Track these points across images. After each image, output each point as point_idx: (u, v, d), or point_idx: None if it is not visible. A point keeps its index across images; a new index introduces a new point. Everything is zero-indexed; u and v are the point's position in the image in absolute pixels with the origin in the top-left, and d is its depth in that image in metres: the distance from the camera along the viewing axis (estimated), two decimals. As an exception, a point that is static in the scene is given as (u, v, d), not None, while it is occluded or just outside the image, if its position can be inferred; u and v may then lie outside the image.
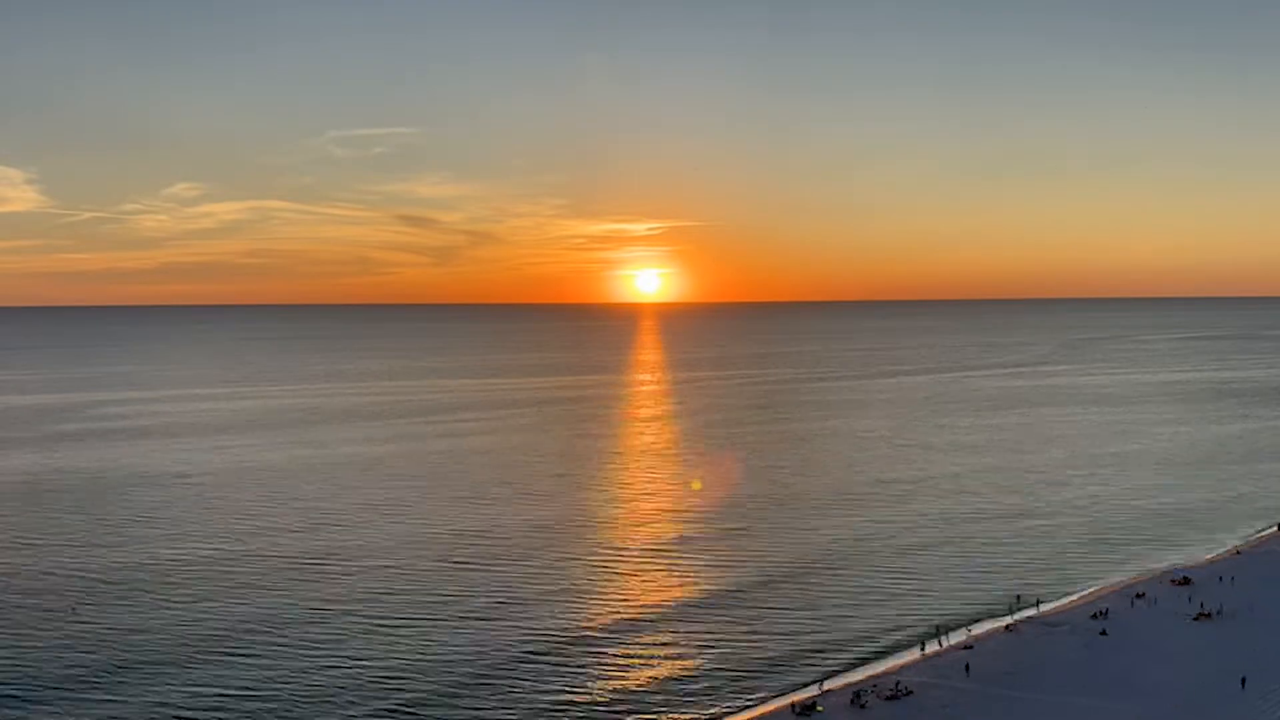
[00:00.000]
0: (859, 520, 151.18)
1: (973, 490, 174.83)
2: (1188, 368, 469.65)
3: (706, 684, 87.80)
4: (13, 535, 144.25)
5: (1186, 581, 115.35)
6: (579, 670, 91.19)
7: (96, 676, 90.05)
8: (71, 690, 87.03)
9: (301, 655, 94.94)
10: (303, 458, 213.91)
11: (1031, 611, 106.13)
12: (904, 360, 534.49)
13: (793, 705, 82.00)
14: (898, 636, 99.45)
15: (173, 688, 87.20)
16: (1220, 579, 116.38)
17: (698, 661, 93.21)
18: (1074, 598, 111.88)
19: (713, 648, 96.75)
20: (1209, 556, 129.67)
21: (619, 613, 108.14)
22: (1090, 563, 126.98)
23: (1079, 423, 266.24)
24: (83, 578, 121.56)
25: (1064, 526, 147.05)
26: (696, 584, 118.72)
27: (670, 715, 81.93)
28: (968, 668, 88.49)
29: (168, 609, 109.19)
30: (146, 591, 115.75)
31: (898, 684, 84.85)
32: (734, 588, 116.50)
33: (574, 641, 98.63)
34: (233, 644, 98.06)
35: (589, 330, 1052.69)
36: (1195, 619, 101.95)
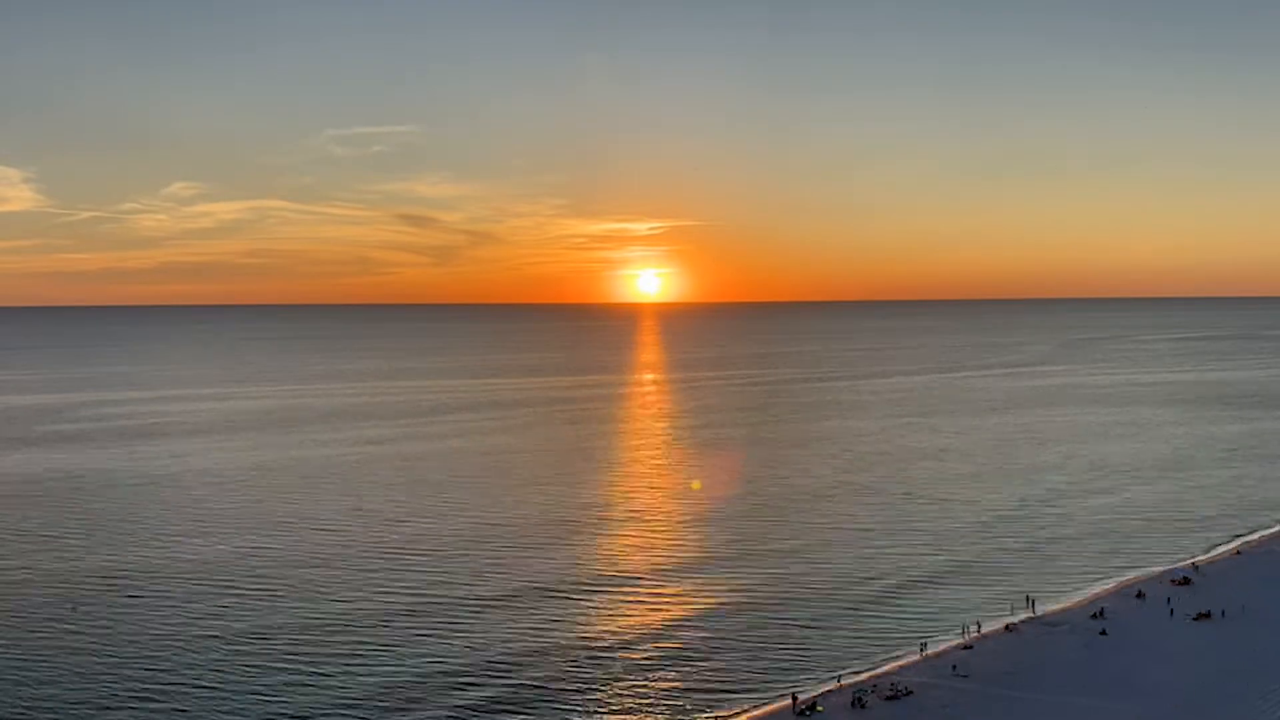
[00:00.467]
0: (859, 520, 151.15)
1: (972, 490, 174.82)
2: (1188, 368, 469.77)
3: (707, 684, 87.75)
4: (13, 535, 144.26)
5: (1186, 581, 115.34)
6: (579, 670, 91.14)
7: (97, 676, 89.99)
8: (72, 690, 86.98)
9: (301, 654, 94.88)
10: (303, 458, 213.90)
11: (1031, 612, 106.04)
12: (904, 360, 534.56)
13: (793, 705, 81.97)
14: (898, 636, 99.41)
15: (174, 687, 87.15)
16: (1220, 579, 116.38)
17: (698, 661, 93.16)
18: (1074, 598, 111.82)
19: (713, 648, 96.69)
20: (1209, 556, 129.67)
21: (618, 613, 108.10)
22: (1090, 563, 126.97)
23: (1079, 423, 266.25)
24: (83, 577, 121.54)
25: (1064, 526, 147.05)
26: (696, 584, 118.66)
27: (671, 715, 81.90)
28: (968, 668, 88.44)
29: (168, 608, 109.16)
30: (147, 591, 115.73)
31: (898, 684, 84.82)
32: (734, 587, 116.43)
33: (573, 642, 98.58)
34: (233, 643, 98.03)
35: (589, 330, 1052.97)
36: (1195, 619, 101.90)
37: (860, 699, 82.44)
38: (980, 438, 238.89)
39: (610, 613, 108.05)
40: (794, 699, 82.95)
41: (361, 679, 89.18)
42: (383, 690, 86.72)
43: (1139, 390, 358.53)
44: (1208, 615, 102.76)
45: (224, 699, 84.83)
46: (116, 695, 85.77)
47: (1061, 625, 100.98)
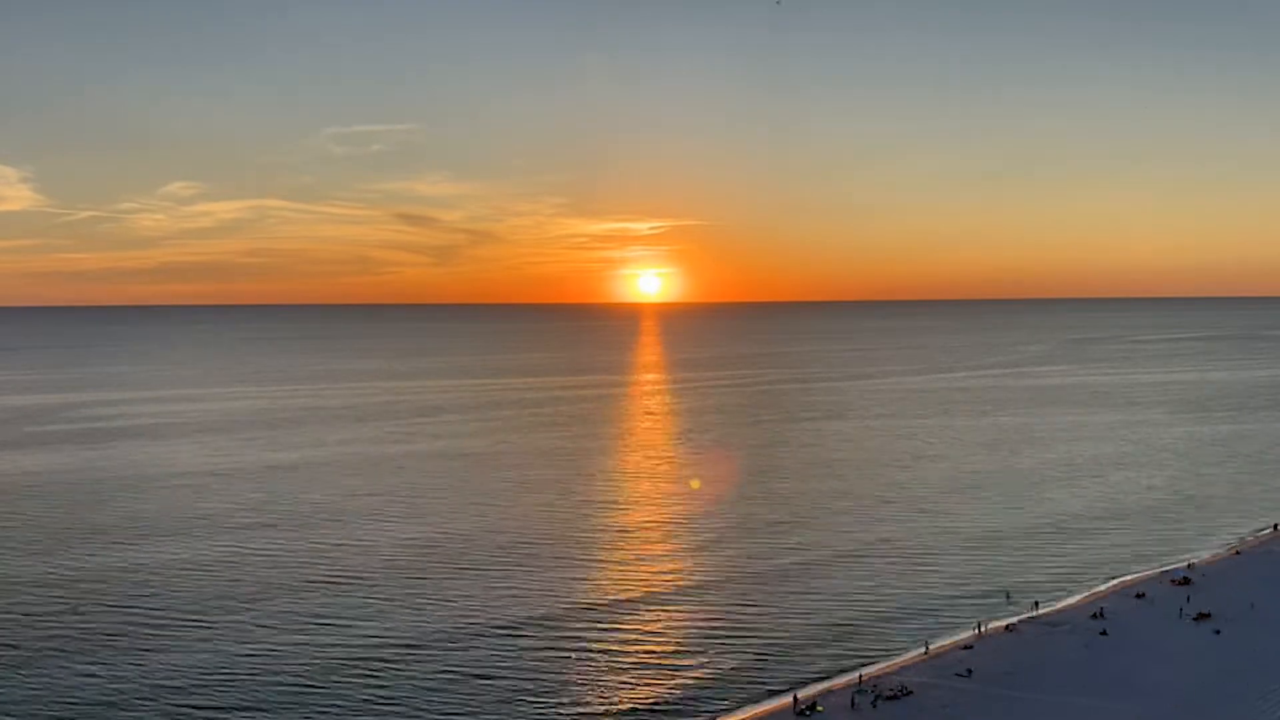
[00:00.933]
0: (858, 520, 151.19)
1: (972, 490, 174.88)
2: (1187, 368, 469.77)
3: (707, 683, 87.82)
4: (13, 535, 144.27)
5: (1186, 581, 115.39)
6: (579, 670, 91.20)
7: (97, 675, 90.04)
8: (73, 689, 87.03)
9: (301, 654, 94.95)
10: (303, 458, 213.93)
11: (1031, 611, 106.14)
12: (903, 361, 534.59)
13: (793, 704, 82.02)
14: (898, 636, 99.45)
15: (174, 687, 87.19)
16: (1220, 579, 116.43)
17: (698, 661, 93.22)
18: (1074, 598, 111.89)
19: (713, 647, 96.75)
20: (1209, 556, 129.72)
21: (619, 612, 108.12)
22: (1090, 563, 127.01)
23: (1078, 423, 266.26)
24: (83, 577, 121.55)
25: (1064, 526, 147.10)
26: (696, 584, 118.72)
27: (671, 714, 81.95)
28: (968, 668, 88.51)
29: (168, 608, 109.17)
30: (147, 591, 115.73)
31: (898, 684, 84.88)
32: (734, 587, 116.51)
33: (574, 641, 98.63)
34: (233, 642, 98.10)
35: (589, 331, 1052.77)
36: (1195, 619, 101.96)
37: (860, 699, 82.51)
38: (980, 438, 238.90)
39: (610, 612, 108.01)
40: (794, 699, 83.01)
41: (361, 678, 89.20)
42: (382, 689, 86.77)
43: (1139, 390, 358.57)
44: (1207, 615, 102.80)
45: (224, 698, 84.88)
46: (118, 694, 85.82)
47: (1061, 625, 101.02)
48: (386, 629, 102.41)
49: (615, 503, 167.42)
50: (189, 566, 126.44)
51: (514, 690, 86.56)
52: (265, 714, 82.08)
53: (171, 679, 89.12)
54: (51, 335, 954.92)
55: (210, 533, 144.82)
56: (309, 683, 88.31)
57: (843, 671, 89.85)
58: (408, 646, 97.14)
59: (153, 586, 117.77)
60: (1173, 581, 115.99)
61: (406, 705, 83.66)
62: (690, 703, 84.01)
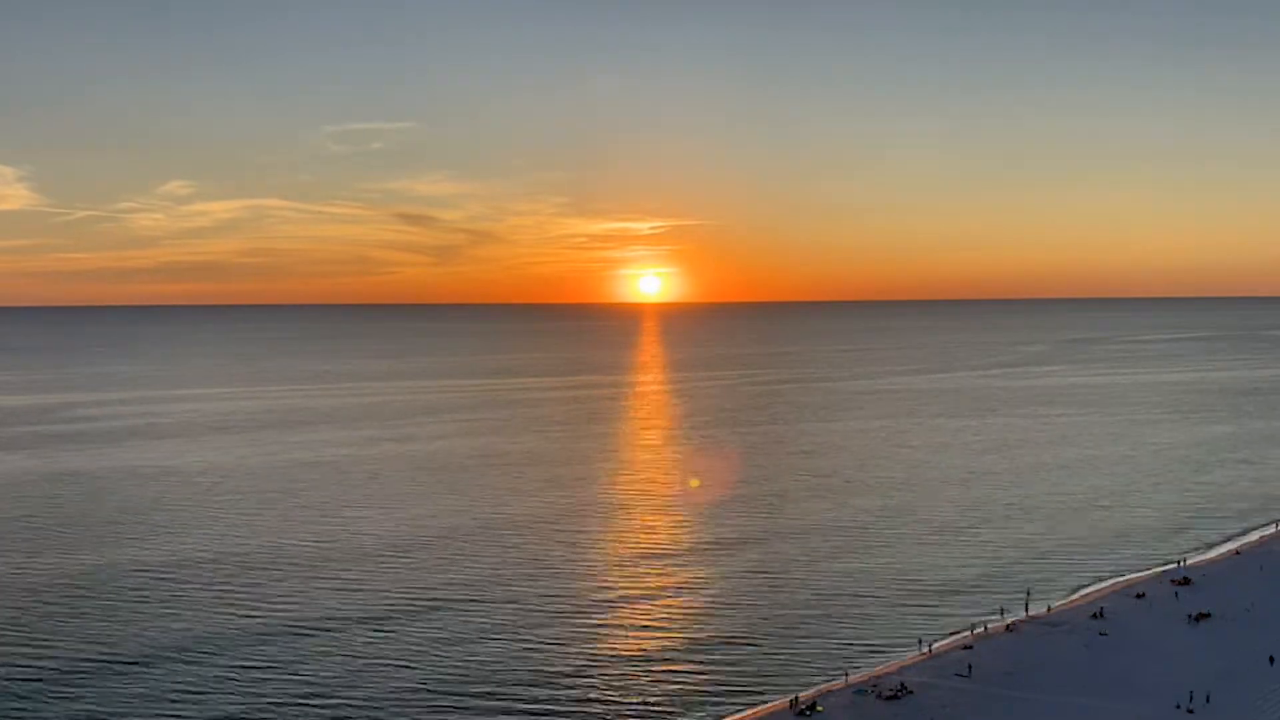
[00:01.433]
0: (858, 520, 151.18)
1: (972, 490, 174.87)
2: (1187, 368, 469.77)
3: (708, 683, 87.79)
4: (12, 535, 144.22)
5: (1186, 581, 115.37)
6: (580, 670, 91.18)
7: (97, 675, 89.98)
8: (72, 689, 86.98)
9: (300, 654, 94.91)
10: (302, 459, 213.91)
11: (1031, 611, 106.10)
12: (903, 361, 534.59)
13: (793, 704, 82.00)
14: (898, 636, 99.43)
15: (174, 687, 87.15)
16: (1220, 579, 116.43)
17: (699, 661, 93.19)
18: (1074, 598, 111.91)
19: (714, 647, 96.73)
20: (1209, 556, 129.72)
21: (620, 612, 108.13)
22: (1090, 563, 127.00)
23: (1078, 423, 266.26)
24: (83, 577, 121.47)
25: (1064, 526, 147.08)
26: (697, 584, 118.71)
27: (672, 714, 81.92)
28: (968, 668, 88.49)
29: (168, 608, 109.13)
30: (147, 590, 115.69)
31: (898, 684, 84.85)
32: (734, 587, 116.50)
33: (575, 641, 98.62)
34: (233, 642, 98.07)
35: (590, 331, 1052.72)
36: (1195, 619, 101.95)
37: (860, 699, 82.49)
38: (979, 438, 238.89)
39: (610, 612, 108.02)
40: (794, 699, 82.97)
41: (360, 677, 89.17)
42: (381, 688, 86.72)
43: (1138, 390, 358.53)
44: (1207, 615, 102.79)
45: (225, 697, 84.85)
46: (118, 694, 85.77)
47: (1061, 625, 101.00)
48: (385, 629, 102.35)
49: (615, 503, 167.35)
50: (189, 565, 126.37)
51: (514, 691, 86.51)
52: (264, 714, 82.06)
53: (173, 677, 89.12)
54: (49, 335, 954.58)
55: (211, 531, 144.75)
56: (308, 683, 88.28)
57: (843, 671, 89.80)
58: (407, 646, 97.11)
59: (153, 585, 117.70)
60: (1173, 581, 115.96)
61: (406, 705, 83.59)
62: (690, 703, 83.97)
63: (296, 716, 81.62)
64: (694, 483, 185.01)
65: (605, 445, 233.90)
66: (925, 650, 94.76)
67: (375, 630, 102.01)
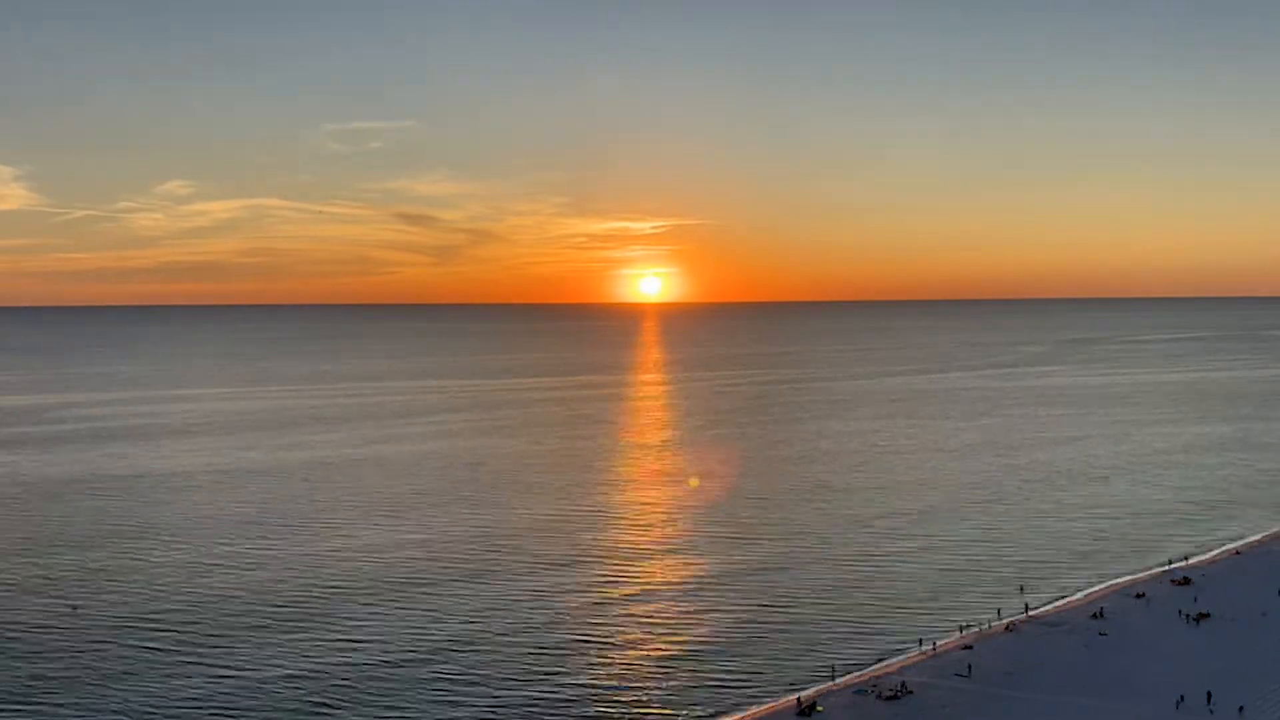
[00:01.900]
0: (859, 520, 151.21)
1: (972, 490, 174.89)
2: (1187, 368, 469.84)
3: (708, 683, 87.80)
4: (12, 535, 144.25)
5: (1186, 581, 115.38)
6: (581, 670, 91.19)
7: (97, 675, 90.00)
8: (72, 689, 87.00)
9: (300, 655, 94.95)
10: (302, 459, 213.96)
11: (1031, 611, 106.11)
12: (903, 361, 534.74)
13: (794, 704, 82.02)
14: (898, 636, 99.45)
15: (174, 687, 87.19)
16: (1220, 579, 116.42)
17: (700, 661, 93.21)
18: (1074, 598, 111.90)
19: (715, 647, 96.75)
20: (1209, 556, 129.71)
21: (620, 612, 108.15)
22: (1090, 563, 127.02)
23: (1078, 423, 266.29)
24: (82, 577, 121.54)
25: (1064, 526, 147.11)
26: (697, 584, 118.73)
27: (672, 714, 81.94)
28: (968, 668, 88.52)
29: (168, 609, 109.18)
30: (147, 591, 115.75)
31: (898, 684, 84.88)
32: (735, 588, 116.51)
33: (576, 641, 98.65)
34: (233, 643, 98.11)
35: (590, 331, 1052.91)
36: (1195, 619, 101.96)
37: (860, 699, 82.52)
38: (979, 438, 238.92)
39: (611, 613, 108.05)
40: (797, 699, 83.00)
41: (360, 677, 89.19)
42: (381, 690, 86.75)
43: (1139, 390, 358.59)
44: (1207, 615, 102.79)
45: (224, 697, 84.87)
46: (117, 694, 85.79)
47: (1061, 625, 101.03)
48: (383, 628, 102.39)
49: (615, 503, 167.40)
50: (188, 566, 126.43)
51: (514, 691, 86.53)
52: (264, 714, 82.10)
53: (173, 678, 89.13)
54: (48, 335, 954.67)
55: (210, 532, 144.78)
56: (306, 681, 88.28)
57: (843, 671, 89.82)
58: (405, 646, 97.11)
59: (152, 586, 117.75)
60: (1173, 581, 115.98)
61: (405, 705, 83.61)
62: (692, 703, 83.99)
63: (296, 717, 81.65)
64: (694, 482, 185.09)
65: (605, 446, 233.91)
66: (925, 650, 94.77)
67: (375, 630, 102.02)
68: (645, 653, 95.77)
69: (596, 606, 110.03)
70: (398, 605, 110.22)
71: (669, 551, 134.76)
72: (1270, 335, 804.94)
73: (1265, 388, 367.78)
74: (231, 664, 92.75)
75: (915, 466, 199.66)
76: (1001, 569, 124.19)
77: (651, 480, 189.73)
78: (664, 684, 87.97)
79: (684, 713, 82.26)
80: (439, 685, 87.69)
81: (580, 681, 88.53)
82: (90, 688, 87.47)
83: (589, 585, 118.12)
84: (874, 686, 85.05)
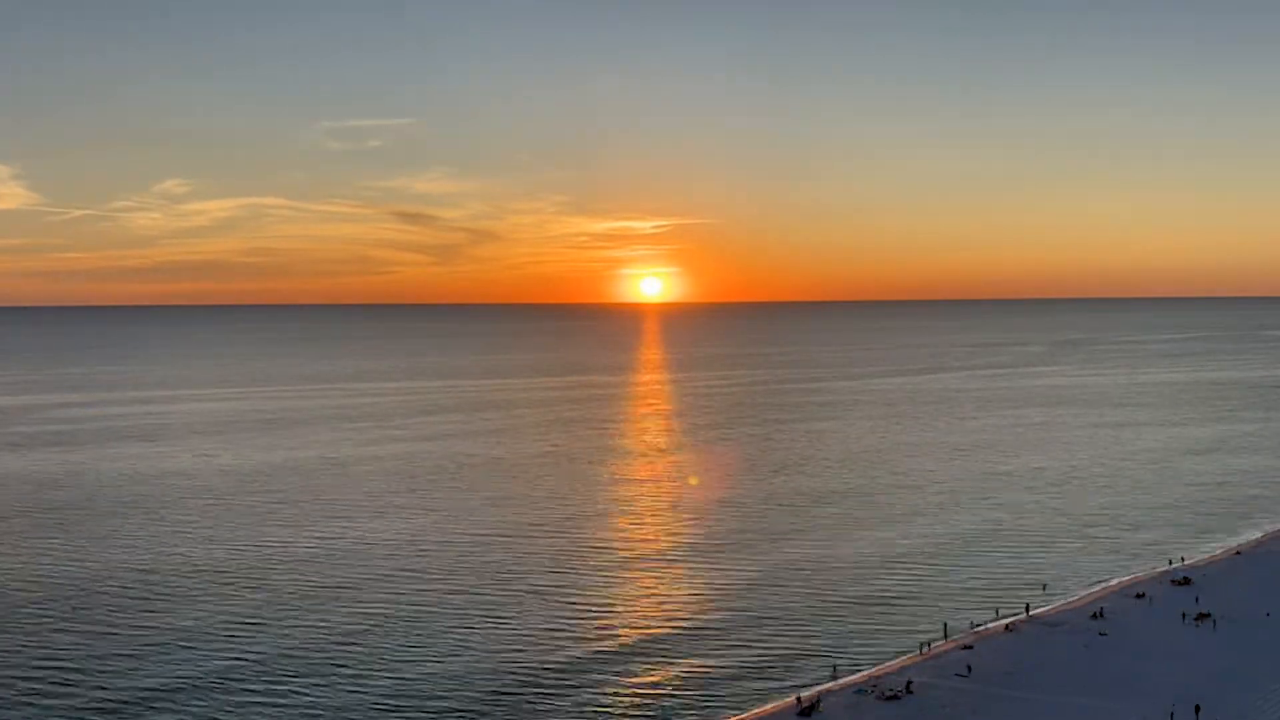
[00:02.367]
0: (858, 520, 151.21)
1: (972, 490, 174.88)
2: (1187, 367, 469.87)
3: (708, 683, 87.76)
4: (11, 536, 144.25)
5: (1186, 581, 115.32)
6: (580, 670, 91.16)
7: (97, 675, 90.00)
8: (71, 689, 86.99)
9: (298, 655, 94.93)
10: (302, 460, 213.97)
11: (1032, 611, 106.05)
12: (902, 361, 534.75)
13: (793, 705, 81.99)
14: (898, 636, 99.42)
15: (173, 687, 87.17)
16: (1220, 579, 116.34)
17: (699, 661, 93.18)
18: (1074, 598, 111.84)
19: (714, 647, 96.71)
20: (1209, 556, 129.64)
21: (620, 612, 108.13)
22: (1090, 563, 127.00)
23: (1078, 423, 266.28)
24: (81, 578, 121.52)
25: (1064, 526, 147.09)
26: (697, 584, 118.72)
27: (672, 714, 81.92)
28: (968, 668, 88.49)
29: (167, 610, 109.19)
30: (146, 592, 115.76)
31: (898, 683, 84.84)
32: (734, 587, 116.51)
33: (574, 642, 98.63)
34: (232, 644, 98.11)
35: (591, 332, 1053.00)
36: (1195, 619, 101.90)
37: (860, 699, 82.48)
38: (979, 438, 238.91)
39: (611, 613, 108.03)
40: (797, 699, 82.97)
41: (359, 678, 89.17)
42: (382, 691, 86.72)
43: (1139, 390, 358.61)
44: (1207, 616, 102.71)
45: (222, 698, 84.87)
46: (117, 694, 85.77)
47: (1061, 625, 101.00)
48: (385, 629, 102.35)
49: (614, 502, 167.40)
50: (188, 566, 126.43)
51: (513, 691, 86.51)
52: (261, 712, 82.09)
53: (172, 678, 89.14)
54: (47, 336, 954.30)
55: (209, 533, 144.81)
56: (305, 682, 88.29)
57: (843, 672, 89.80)
58: (405, 647, 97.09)
59: (152, 587, 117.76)
60: (1173, 581, 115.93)
61: (403, 705, 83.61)
62: (691, 703, 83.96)
63: (296, 716, 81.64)
64: (693, 481, 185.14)
65: (603, 446, 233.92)
66: (925, 650, 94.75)
67: (373, 628, 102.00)
68: (645, 653, 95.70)
69: (595, 606, 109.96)
70: (397, 605, 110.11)
71: (668, 551, 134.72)
72: (1270, 335, 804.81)
73: (1265, 388, 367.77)
74: (233, 663, 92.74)
75: (914, 466, 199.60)
76: (1001, 569, 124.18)
77: (650, 480, 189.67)
78: (665, 684, 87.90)
79: (684, 713, 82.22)
80: (438, 685, 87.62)
81: (579, 681, 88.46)
82: (90, 687, 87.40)
83: (587, 585, 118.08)
84: (874, 686, 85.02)
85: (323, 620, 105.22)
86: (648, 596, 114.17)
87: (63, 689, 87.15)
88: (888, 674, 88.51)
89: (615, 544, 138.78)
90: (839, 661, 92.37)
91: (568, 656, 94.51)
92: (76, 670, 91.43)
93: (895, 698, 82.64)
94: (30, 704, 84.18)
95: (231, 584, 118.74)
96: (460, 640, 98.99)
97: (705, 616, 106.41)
